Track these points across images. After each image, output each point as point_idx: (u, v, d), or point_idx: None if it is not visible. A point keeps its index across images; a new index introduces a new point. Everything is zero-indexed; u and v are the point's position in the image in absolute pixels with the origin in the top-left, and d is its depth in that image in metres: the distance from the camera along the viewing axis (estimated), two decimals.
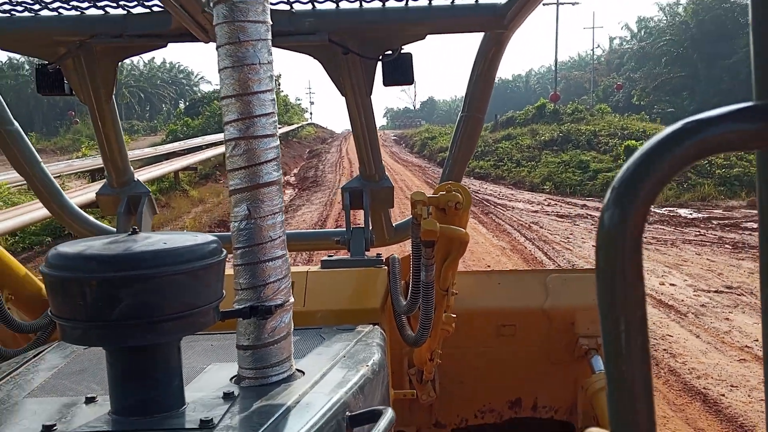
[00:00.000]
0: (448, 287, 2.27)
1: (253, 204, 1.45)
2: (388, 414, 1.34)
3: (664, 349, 6.45)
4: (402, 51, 2.37)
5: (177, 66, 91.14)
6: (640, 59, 57.56)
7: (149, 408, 1.27)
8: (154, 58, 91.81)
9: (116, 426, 1.24)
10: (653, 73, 52.59)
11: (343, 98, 2.56)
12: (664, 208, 16.44)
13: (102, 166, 3.33)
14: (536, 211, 15.90)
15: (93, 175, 18.08)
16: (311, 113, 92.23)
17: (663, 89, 49.84)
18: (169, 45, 2.40)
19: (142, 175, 14.81)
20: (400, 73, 2.39)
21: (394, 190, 2.85)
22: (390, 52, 2.37)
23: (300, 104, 76.90)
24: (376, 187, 2.79)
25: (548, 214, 15.24)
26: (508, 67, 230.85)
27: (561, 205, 17.17)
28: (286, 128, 43.46)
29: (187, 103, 56.52)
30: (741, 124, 0.49)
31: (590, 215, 15.16)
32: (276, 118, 1.53)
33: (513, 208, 16.43)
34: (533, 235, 12.39)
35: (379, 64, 2.40)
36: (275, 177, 1.48)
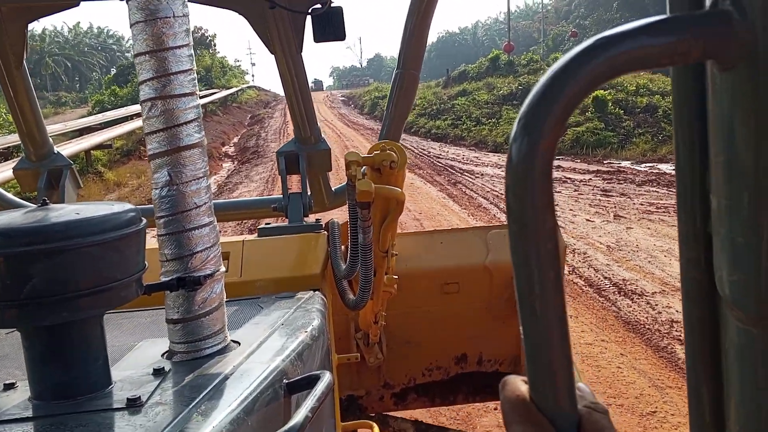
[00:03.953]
0: (387, 249, 2.27)
1: (174, 169, 1.37)
2: (326, 378, 1.31)
3: None
4: (332, 5, 2.30)
5: (106, 31, 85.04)
6: (590, 5, 56.69)
7: (72, 390, 1.19)
8: (79, 22, 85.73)
9: (37, 411, 1.17)
10: (604, 18, 51.75)
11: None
12: (643, 164, 14.95)
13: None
14: None
15: (7, 155, 15.18)
16: (253, 75, 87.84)
17: None
18: (82, 4, 2.34)
19: None
20: (331, 27, 2.31)
21: (331, 152, 2.80)
22: (319, 6, 2.30)
23: (239, 66, 72.99)
24: (312, 150, 2.73)
25: None
26: (454, 20, 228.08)
27: None
28: (225, 92, 40.52)
29: (116, 71, 52.31)
30: (653, 39, 0.46)
31: (568, 179, 13.46)
32: (195, 75, 1.43)
33: (482, 174, 14.53)
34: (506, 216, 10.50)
35: (309, 19, 2.33)
36: (197, 139, 1.40)
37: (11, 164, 9.46)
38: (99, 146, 17.29)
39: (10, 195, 2.91)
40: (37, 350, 1.19)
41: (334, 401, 2.01)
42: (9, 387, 1.26)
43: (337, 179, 3.04)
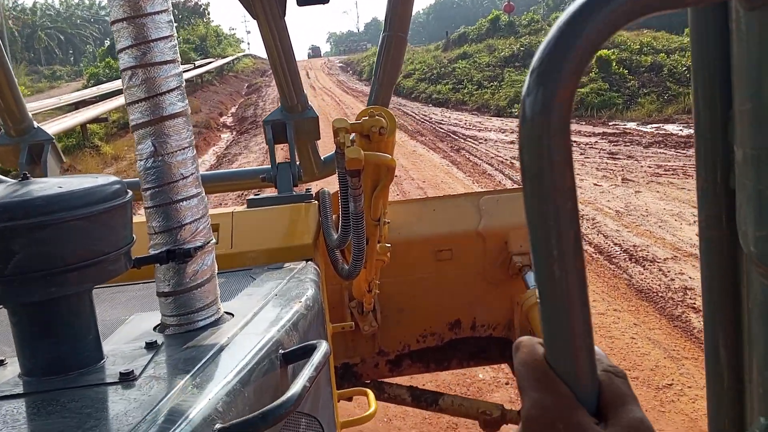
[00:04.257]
0: (379, 217, 2.25)
1: (158, 139, 1.34)
2: (323, 347, 1.29)
3: None
4: None
5: (98, 2, 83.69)
6: None
7: (63, 366, 1.17)
8: None
9: (27, 387, 1.15)
10: None
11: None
12: (649, 126, 14.66)
13: None
14: (512, 142, 13.73)
15: None
16: (248, 43, 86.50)
17: None
18: None
19: None
20: None
21: (318, 120, 2.73)
22: None
23: (234, 34, 71.81)
24: (299, 118, 2.67)
25: None
26: None
27: None
28: (221, 61, 39.83)
29: (109, 42, 51.59)
30: None
31: (575, 141, 13.14)
32: (175, 42, 1.38)
33: (485, 140, 14.26)
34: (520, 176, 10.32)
35: None
36: (180, 107, 1.36)
37: None
38: (95, 120, 16.96)
39: None
40: (25, 327, 1.17)
41: (330, 370, 1.99)
42: None
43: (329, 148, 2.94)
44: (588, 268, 5.66)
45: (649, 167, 10.22)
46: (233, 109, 24.91)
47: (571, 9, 0.43)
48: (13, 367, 1.21)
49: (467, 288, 2.98)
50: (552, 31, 0.43)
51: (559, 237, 0.45)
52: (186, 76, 27.85)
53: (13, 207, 1.08)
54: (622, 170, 10.14)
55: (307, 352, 1.30)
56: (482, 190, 9.55)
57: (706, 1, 0.46)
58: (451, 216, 2.91)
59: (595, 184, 9.34)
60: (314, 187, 2.56)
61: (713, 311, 0.53)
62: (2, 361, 1.25)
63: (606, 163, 10.84)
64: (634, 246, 6.63)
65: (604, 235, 7.01)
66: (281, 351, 1.32)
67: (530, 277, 2.76)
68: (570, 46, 0.42)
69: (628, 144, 12.44)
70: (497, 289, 2.96)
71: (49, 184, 1.16)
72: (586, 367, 0.49)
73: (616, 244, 6.65)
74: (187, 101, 1.41)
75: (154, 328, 1.40)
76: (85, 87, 31.36)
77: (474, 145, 13.57)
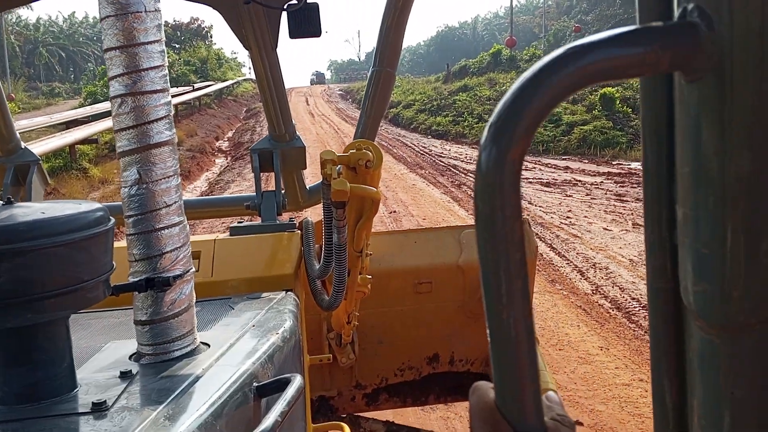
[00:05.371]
0: (362, 248, 2.25)
1: (144, 167, 1.36)
2: (296, 381, 1.30)
3: None
4: (308, 1, 2.29)
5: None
6: (593, 1, 55.78)
7: (35, 394, 1.17)
8: (74, 12, 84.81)
9: None
10: (606, 14, 51.08)
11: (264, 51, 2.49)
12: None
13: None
14: None
15: None
16: (249, 68, 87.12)
17: None
18: None
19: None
20: (307, 24, 2.30)
21: (305, 150, 2.76)
22: (295, 2, 2.30)
23: (236, 58, 71.91)
24: (286, 148, 2.70)
25: (530, 182, 12.68)
26: (454, 14, 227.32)
27: (540, 169, 14.62)
28: (220, 85, 39.61)
29: None
30: (623, 49, 0.46)
31: (579, 181, 12.77)
32: (166, 71, 1.41)
33: None
34: (524, 215, 9.82)
35: (285, 14, 2.31)
36: (167, 137, 1.39)
37: None
38: (84, 140, 16.43)
39: None
40: (0, 353, 1.16)
41: (305, 403, 1.99)
42: None
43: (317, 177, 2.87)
44: (606, 327, 5.10)
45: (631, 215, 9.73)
46: (230, 134, 24.51)
47: (525, 75, 0.46)
48: None
49: (446, 322, 2.96)
50: (508, 93, 0.47)
51: (509, 284, 0.48)
52: (184, 98, 27.74)
53: None
54: (632, 214, 9.67)
55: (281, 385, 1.30)
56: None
57: (647, 73, 0.49)
58: (432, 249, 2.90)
59: (605, 229, 8.86)
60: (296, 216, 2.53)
61: (659, 357, 0.55)
62: None
63: (614, 205, 10.39)
64: None
65: (620, 288, 6.49)
66: (255, 384, 1.32)
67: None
68: (522, 110, 0.46)
69: (635, 186, 11.99)
70: (476, 324, 2.92)
71: (33, 209, 1.17)
72: (533, 412, 0.51)
73: (633, 299, 6.12)
74: (174, 130, 1.42)
75: (130, 357, 1.39)
76: (82, 105, 31.02)
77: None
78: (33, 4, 2.31)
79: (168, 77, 1.41)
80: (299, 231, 2.27)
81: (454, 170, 14.61)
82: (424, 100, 27.71)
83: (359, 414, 3.18)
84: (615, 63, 0.46)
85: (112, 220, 1.25)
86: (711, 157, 0.45)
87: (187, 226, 1.44)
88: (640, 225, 9.10)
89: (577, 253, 7.71)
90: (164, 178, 1.36)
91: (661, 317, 0.54)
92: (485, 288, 0.49)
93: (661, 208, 0.53)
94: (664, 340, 0.54)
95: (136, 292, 1.36)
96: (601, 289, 6.52)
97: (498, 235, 0.47)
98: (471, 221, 8.80)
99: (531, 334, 0.49)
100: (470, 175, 13.94)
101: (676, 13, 0.48)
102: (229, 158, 18.02)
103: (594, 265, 7.21)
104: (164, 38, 1.41)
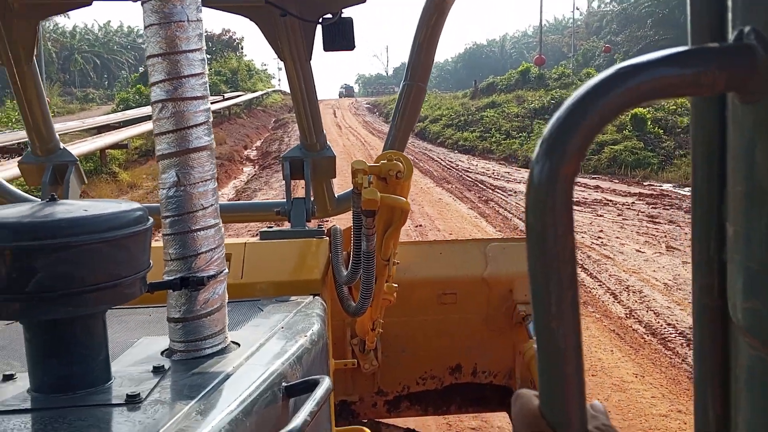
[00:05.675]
0: (389, 257, 2.27)
1: (182, 170, 1.39)
2: (325, 383, 1.32)
3: None
4: (343, 15, 2.33)
5: (136, 30, 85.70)
6: (622, 21, 55.56)
7: (71, 384, 1.20)
8: (110, 21, 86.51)
9: (35, 404, 1.18)
10: (636, 36, 50.65)
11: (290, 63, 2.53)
12: (686, 188, 13.91)
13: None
14: None
15: (20, 152, 14.63)
16: (279, 80, 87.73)
17: (648, 52, 48.06)
18: (95, 3, 2.37)
19: None
20: (341, 37, 2.34)
21: (335, 159, 2.79)
22: (330, 16, 2.33)
23: (266, 70, 72.72)
24: (317, 157, 2.73)
25: None
26: (483, 32, 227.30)
27: None
28: (250, 95, 40.05)
29: (143, 69, 52.40)
30: (678, 69, 0.47)
31: (610, 201, 12.56)
32: (206, 79, 1.44)
33: (515, 192, 13.64)
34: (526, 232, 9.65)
35: (319, 28, 2.35)
36: (206, 142, 1.42)
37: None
38: (115, 145, 16.68)
39: (17, 189, 2.92)
40: (39, 343, 1.19)
41: (330, 407, 2.00)
42: (8, 378, 1.26)
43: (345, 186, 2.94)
44: (641, 354, 4.94)
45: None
46: (258, 143, 24.70)
47: (577, 93, 0.46)
48: (23, 382, 1.23)
49: (470, 333, 2.97)
50: (560, 110, 0.47)
51: (559, 297, 0.48)
52: (214, 107, 28.07)
53: (39, 227, 1.12)
54: (665, 236, 9.47)
55: (310, 386, 1.32)
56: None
57: (703, 93, 0.49)
58: (458, 260, 2.92)
59: (638, 251, 8.65)
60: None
61: (704, 374, 0.55)
62: (12, 375, 1.27)
63: (646, 227, 10.18)
64: (690, 328, 5.93)
65: (654, 313, 6.31)
66: (284, 384, 1.35)
67: (533, 327, 2.53)
68: (574, 127, 0.46)
69: (668, 207, 11.78)
70: (500, 337, 2.94)
71: (76, 207, 1.20)
72: (577, 420, 0.52)
73: (669, 325, 5.94)
74: (212, 136, 1.45)
75: (162, 353, 1.42)
76: (114, 111, 31.54)
77: (503, 197, 12.98)
78: (69, 13, 2.47)
79: (207, 85, 1.44)
80: (327, 237, 2.30)
81: (482, 185, 14.49)
82: (451, 115, 27.68)
83: (380, 420, 3.18)
84: (670, 82, 0.46)
85: (151, 219, 1.29)
86: (765, 177, 0.46)
87: (222, 228, 1.46)
88: (675, 248, 8.94)
89: (610, 275, 7.53)
90: (201, 182, 1.40)
91: (707, 334, 0.55)
92: (535, 298, 0.50)
93: (709, 227, 0.53)
94: (710, 357, 0.55)
95: (171, 290, 1.39)
96: (635, 313, 6.33)
97: (549, 251, 0.48)
98: (497, 236, 8.68)
99: (579, 345, 0.50)
100: (498, 191, 13.79)
101: (731, 35, 0.48)
102: (256, 167, 18.13)
103: (627, 288, 7.03)
104: (205, 47, 1.45)
